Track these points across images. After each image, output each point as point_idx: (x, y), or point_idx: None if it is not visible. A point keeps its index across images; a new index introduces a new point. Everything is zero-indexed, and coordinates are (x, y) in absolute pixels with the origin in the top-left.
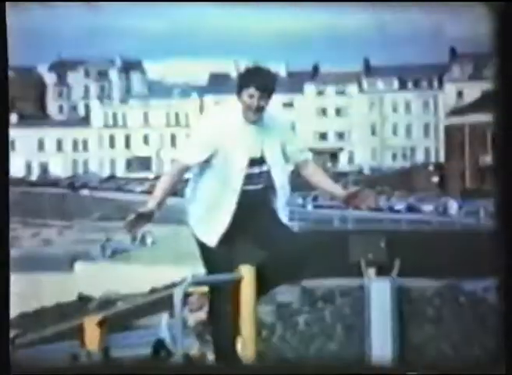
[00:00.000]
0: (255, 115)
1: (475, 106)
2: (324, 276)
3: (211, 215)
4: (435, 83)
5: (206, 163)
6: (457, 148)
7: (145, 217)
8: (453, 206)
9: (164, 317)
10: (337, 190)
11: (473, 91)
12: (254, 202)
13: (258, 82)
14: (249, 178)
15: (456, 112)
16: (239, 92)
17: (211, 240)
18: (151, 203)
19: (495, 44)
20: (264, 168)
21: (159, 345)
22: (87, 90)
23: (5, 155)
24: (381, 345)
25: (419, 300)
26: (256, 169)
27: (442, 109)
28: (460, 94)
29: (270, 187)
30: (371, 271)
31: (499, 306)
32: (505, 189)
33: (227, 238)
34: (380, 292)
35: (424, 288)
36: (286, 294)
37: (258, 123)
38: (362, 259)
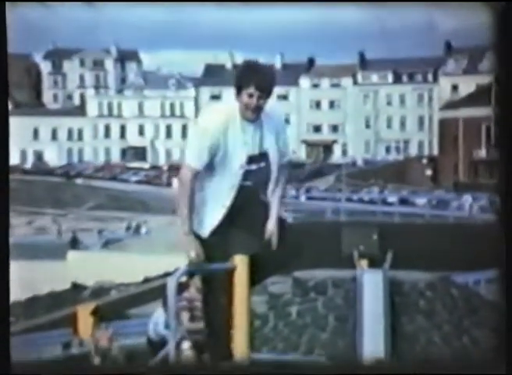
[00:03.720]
0: (254, 114)
1: (470, 100)
2: (316, 268)
3: (206, 208)
4: (430, 77)
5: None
6: (451, 141)
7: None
8: (468, 200)
9: (158, 311)
10: (273, 217)
11: (468, 85)
12: (250, 195)
13: (258, 81)
14: (246, 174)
15: (450, 105)
16: (238, 91)
17: (204, 232)
18: (184, 224)
19: (494, 44)
20: (262, 164)
21: (149, 344)
22: (82, 79)
23: (6, 144)
24: (373, 336)
25: (411, 292)
26: (253, 166)
27: (437, 103)
28: (454, 87)
29: (266, 183)
30: (364, 263)
31: (500, 306)
32: (506, 182)
33: (221, 228)
34: (372, 284)
35: (416, 280)
36: (278, 284)
37: (256, 120)
38: (354, 251)
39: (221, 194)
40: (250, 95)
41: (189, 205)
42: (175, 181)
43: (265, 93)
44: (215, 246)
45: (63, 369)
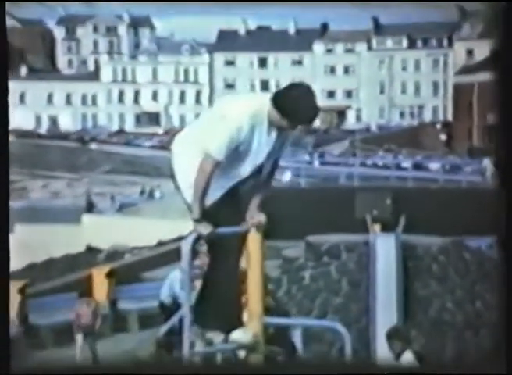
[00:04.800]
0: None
1: (485, 65)
2: (329, 232)
3: (214, 182)
4: (445, 42)
5: None
6: (466, 106)
7: (202, 221)
8: (487, 165)
9: (175, 272)
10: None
11: (483, 50)
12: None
13: (298, 121)
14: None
15: (465, 70)
16: (277, 109)
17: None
18: (195, 211)
19: (495, 44)
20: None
21: (161, 307)
22: (96, 45)
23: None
24: (386, 300)
25: (424, 256)
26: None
27: (452, 68)
28: (469, 52)
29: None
30: (377, 227)
31: (500, 303)
32: (506, 147)
33: (233, 194)
34: (385, 248)
35: (429, 245)
36: (291, 249)
37: None
38: (368, 216)
39: (234, 175)
40: (284, 124)
41: (202, 195)
42: None
43: (301, 125)
44: (227, 211)
45: (63, 370)
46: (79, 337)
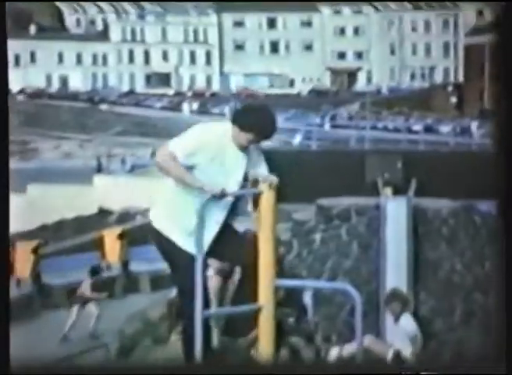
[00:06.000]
0: (244, 148)
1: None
2: (340, 195)
3: (174, 217)
4: (456, 2)
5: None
6: (477, 68)
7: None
8: None
9: None
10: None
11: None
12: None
13: (259, 131)
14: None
15: (476, 31)
16: (239, 126)
17: (202, 250)
18: (195, 185)
19: (495, 44)
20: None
21: None
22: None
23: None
24: (396, 263)
25: (434, 219)
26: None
27: (462, 28)
28: (480, 13)
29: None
30: (388, 190)
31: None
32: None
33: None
34: (396, 211)
35: (440, 208)
36: (302, 212)
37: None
38: (379, 179)
39: (214, 211)
40: (248, 140)
41: (181, 172)
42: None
43: (263, 139)
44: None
45: (61, 370)
46: (74, 308)
